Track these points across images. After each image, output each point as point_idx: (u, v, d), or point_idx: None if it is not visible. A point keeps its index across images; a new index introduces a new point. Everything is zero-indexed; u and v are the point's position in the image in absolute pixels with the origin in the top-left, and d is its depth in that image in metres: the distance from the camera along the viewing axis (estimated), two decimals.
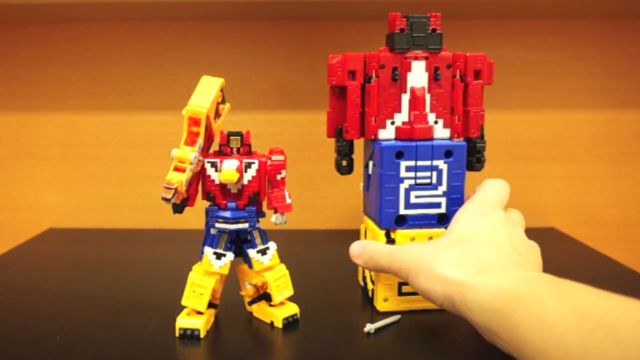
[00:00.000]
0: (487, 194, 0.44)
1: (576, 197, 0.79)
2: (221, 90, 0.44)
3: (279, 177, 0.44)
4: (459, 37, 0.73)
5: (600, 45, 0.76)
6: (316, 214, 0.79)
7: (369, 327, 0.43)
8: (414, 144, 0.46)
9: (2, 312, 0.48)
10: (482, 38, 0.75)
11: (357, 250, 0.46)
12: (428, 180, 0.46)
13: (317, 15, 0.72)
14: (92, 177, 0.79)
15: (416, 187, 0.46)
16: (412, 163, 0.46)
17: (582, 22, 0.75)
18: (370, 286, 0.50)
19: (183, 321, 0.43)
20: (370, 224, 0.50)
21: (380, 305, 0.48)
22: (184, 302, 0.44)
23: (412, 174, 0.46)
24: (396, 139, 0.47)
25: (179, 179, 0.39)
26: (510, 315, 0.32)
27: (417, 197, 0.46)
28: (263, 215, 0.45)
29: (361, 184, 0.53)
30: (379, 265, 0.44)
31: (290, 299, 0.46)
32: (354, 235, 0.59)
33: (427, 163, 0.46)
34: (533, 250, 0.42)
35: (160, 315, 0.46)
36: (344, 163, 0.50)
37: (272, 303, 0.46)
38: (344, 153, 0.49)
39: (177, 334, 0.43)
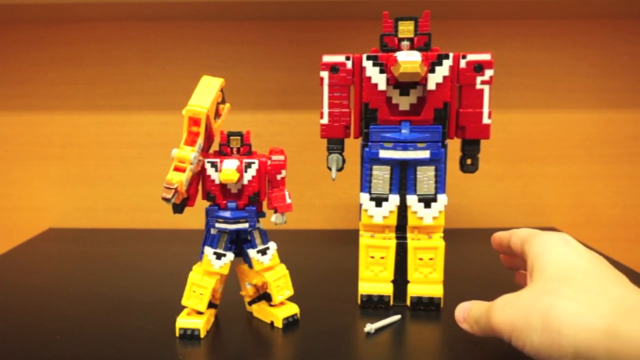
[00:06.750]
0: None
1: (576, 197, 0.79)
2: (221, 90, 0.44)
3: (279, 177, 0.44)
4: (459, 37, 0.73)
5: (600, 45, 0.76)
6: (316, 214, 0.79)
7: (369, 327, 0.43)
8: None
9: (2, 312, 0.48)
10: (482, 38, 0.75)
11: (462, 313, 0.38)
12: None
13: (317, 15, 0.72)
14: (92, 177, 0.79)
15: None
16: None
17: (582, 22, 0.75)
18: None
19: (183, 321, 0.43)
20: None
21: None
22: (184, 302, 0.44)
23: None
24: None
25: (179, 179, 0.39)
26: None
27: None
28: (263, 215, 0.45)
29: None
30: (482, 329, 0.36)
31: (290, 299, 0.46)
32: (354, 235, 0.59)
33: None
34: None
35: (160, 315, 0.46)
36: None
37: (272, 303, 0.46)
38: None
39: (177, 334, 0.43)
